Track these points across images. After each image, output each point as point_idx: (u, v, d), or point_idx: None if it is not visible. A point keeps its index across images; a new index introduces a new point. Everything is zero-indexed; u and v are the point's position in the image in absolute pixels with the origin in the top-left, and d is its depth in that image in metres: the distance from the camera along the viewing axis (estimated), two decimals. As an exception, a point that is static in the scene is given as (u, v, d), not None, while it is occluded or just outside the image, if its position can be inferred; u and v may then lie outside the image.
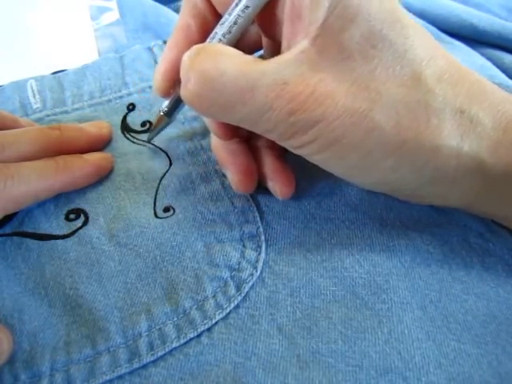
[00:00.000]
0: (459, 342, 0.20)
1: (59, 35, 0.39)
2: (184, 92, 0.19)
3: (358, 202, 0.24)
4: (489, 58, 0.33)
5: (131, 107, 0.29)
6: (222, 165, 0.25)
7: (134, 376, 0.19)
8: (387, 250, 0.22)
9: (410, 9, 0.36)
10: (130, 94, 0.30)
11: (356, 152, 0.18)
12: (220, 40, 0.20)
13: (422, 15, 0.36)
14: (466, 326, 0.20)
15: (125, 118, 0.29)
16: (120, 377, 0.19)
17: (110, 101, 0.30)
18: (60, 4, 0.41)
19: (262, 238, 0.23)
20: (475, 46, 0.35)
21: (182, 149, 0.27)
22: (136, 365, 0.19)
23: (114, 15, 0.40)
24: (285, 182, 0.24)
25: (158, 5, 0.38)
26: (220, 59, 0.18)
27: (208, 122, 0.24)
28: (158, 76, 0.23)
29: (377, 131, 0.17)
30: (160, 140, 0.27)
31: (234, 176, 0.24)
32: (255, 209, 0.24)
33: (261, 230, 0.23)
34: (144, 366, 0.19)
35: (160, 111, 0.24)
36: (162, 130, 0.26)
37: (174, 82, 0.23)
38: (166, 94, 0.23)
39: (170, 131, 0.28)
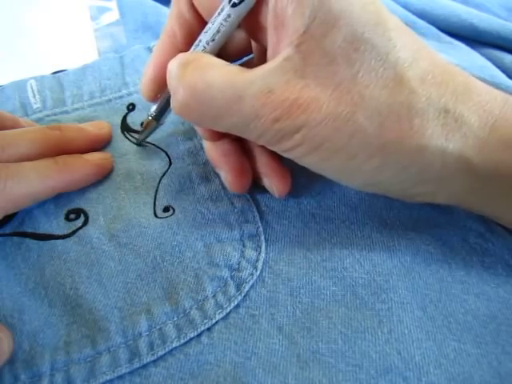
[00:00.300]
0: (459, 342, 0.20)
1: (59, 35, 0.39)
2: (174, 104, 0.20)
3: (358, 201, 0.24)
4: (489, 58, 0.33)
5: (131, 107, 0.29)
6: (215, 166, 0.25)
7: (134, 376, 0.19)
8: (387, 250, 0.22)
9: (410, 9, 0.36)
10: (129, 94, 0.30)
11: (341, 154, 0.18)
12: (204, 47, 0.21)
13: (422, 15, 0.36)
14: (466, 326, 0.20)
15: (125, 118, 0.29)
16: (120, 377, 0.19)
17: (109, 101, 0.30)
18: (60, 4, 0.41)
19: (262, 237, 0.23)
20: (475, 46, 0.35)
21: (181, 149, 0.27)
22: (136, 365, 0.19)
23: (114, 15, 0.40)
24: (281, 179, 0.24)
25: (158, 5, 0.38)
26: (207, 71, 0.19)
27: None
28: (145, 81, 0.24)
29: (360, 134, 0.18)
30: (160, 140, 0.27)
31: (227, 176, 0.24)
32: (255, 209, 0.24)
33: (261, 229, 0.23)
34: (144, 366, 0.19)
35: (148, 115, 0.25)
36: (151, 133, 0.26)
37: (160, 86, 0.23)
38: (153, 99, 0.24)
39: (170, 131, 0.28)
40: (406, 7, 0.37)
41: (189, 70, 0.19)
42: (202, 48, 0.21)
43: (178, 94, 0.19)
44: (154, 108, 0.25)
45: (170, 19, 0.23)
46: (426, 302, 0.21)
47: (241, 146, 0.25)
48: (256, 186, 0.24)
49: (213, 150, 0.25)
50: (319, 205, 0.24)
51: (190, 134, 0.28)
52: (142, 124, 0.28)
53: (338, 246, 0.23)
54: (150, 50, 0.32)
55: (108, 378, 0.19)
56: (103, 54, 0.37)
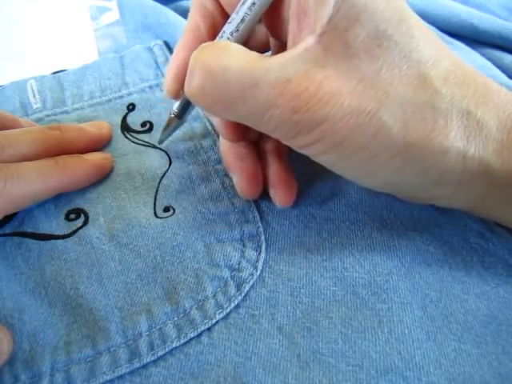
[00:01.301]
0: (459, 342, 0.20)
1: (59, 35, 0.39)
2: (188, 88, 0.19)
3: (358, 201, 0.24)
4: (489, 58, 0.33)
5: (131, 107, 0.29)
6: (228, 169, 0.25)
7: (135, 376, 0.19)
8: (387, 250, 0.22)
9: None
10: (129, 94, 0.30)
11: (362, 154, 0.18)
12: (228, 38, 0.20)
13: (422, 15, 0.36)
14: (467, 326, 0.20)
15: (125, 118, 0.29)
16: (120, 377, 0.19)
17: (109, 101, 0.30)
18: (60, 4, 0.41)
19: (262, 237, 0.23)
20: (475, 46, 0.35)
21: (181, 148, 0.27)
22: (136, 365, 0.19)
23: (114, 15, 0.40)
24: (286, 192, 0.23)
25: (157, 5, 0.38)
26: (224, 55, 0.18)
27: (216, 122, 0.23)
28: (168, 78, 0.23)
29: (383, 132, 0.17)
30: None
31: (240, 181, 0.24)
32: (255, 209, 0.24)
33: (261, 229, 0.23)
34: (144, 366, 0.19)
35: (171, 113, 0.24)
36: (173, 131, 0.26)
37: (184, 83, 0.23)
38: (176, 96, 0.23)
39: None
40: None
41: (205, 52, 0.18)
42: (226, 39, 0.20)
43: (192, 77, 0.18)
44: (176, 105, 0.24)
45: (192, 13, 0.22)
46: (426, 302, 0.21)
47: (256, 150, 0.24)
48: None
49: (229, 153, 0.24)
50: (319, 205, 0.24)
51: (190, 134, 0.28)
52: (142, 124, 0.28)
53: (338, 246, 0.23)
54: (150, 49, 0.32)
55: (108, 378, 0.19)
56: (103, 54, 0.37)
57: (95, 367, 0.19)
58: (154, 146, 0.27)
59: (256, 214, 0.24)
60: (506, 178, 0.18)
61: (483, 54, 0.34)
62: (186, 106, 0.24)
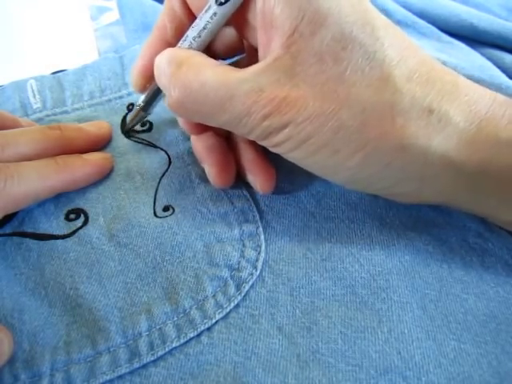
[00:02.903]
0: (459, 341, 0.20)
1: (59, 35, 0.39)
2: (169, 102, 0.20)
3: (357, 200, 0.24)
4: (489, 58, 0.33)
5: (131, 107, 0.29)
6: (199, 159, 0.26)
7: (135, 376, 0.19)
8: (387, 250, 0.22)
9: (410, 9, 0.36)
10: (129, 94, 0.30)
11: (325, 150, 0.19)
12: (191, 43, 0.21)
13: (422, 15, 0.36)
14: (466, 325, 0.20)
15: (125, 118, 0.29)
16: (120, 377, 0.19)
17: (109, 101, 0.30)
18: (60, 4, 0.41)
19: (262, 237, 0.23)
20: (475, 46, 0.35)
21: (181, 148, 0.27)
22: (136, 365, 0.19)
23: (114, 15, 0.40)
24: (264, 176, 0.24)
25: (157, 5, 0.38)
26: (201, 71, 0.19)
27: (178, 118, 0.24)
28: (134, 73, 0.24)
29: (343, 130, 0.18)
30: (160, 139, 0.27)
31: (210, 169, 0.24)
32: (255, 208, 0.24)
33: (260, 229, 0.23)
34: (144, 366, 0.19)
35: (136, 106, 0.25)
36: (138, 123, 0.27)
37: (149, 78, 0.24)
38: (142, 90, 0.25)
39: (170, 131, 0.28)
40: (406, 7, 0.37)
41: (183, 69, 0.20)
42: (189, 43, 0.21)
43: (173, 93, 0.20)
44: (142, 98, 0.25)
45: (162, 14, 0.23)
46: (425, 302, 0.21)
47: (226, 141, 0.25)
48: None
49: (198, 144, 0.25)
50: (319, 204, 0.24)
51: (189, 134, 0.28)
52: (142, 124, 0.28)
53: (337, 245, 0.23)
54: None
55: (108, 378, 0.19)
56: (103, 53, 0.37)
57: (95, 367, 0.19)
58: (154, 146, 0.27)
59: (256, 213, 0.24)
60: (475, 173, 0.19)
61: (483, 54, 0.34)
62: (151, 100, 0.25)
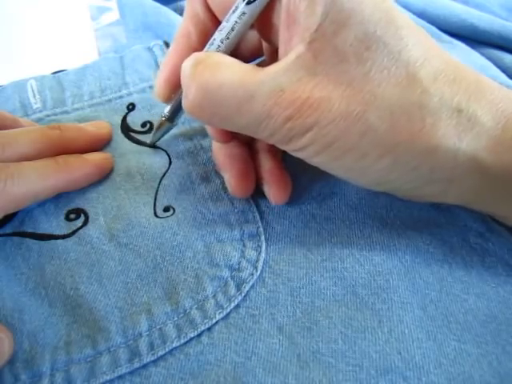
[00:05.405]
0: (459, 341, 0.20)
1: (59, 35, 0.39)
2: (185, 103, 0.19)
3: (358, 201, 0.24)
4: (489, 58, 0.33)
5: (131, 107, 0.29)
6: (220, 168, 0.25)
7: (135, 376, 0.19)
8: (387, 250, 0.22)
9: (410, 9, 0.36)
10: (129, 94, 0.30)
11: (351, 154, 0.18)
12: (218, 46, 0.21)
13: (422, 15, 0.36)
14: (467, 325, 0.20)
15: (125, 117, 0.29)
16: (120, 377, 0.19)
17: (110, 101, 0.30)
18: (60, 4, 0.41)
19: (262, 237, 0.23)
20: (475, 46, 0.35)
21: (182, 148, 0.27)
22: (136, 365, 0.19)
23: (114, 15, 0.40)
24: (280, 189, 0.24)
25: (157, 5, 0.38)
26: (219, 70, 0.18)
27: (207, 126, 0.24)
28: (159, 82, 0.23)
29: (371, 133, 0.18)
30: (160, 140, 0.27)
31: (231, 180, 0.24)
32: (255, 208, 0.24)
33: (261, 229, 0.23)
34: (144, 366, 0.19)
35: (162, 116, 0.25)
36: (164, 134, 0.26)
37: (174, 87, 0.23)
38: (167, 100, 0.24)
39: (171, 131, 0.28)
40: (406, 7, 0.37)
41: (199, 68, 0.19)
42: (217, 47, 0.21)
43: (189, 94, 0.19)
44: (167, 109, 0.24)
45: (184, 20, 0.23)
46: (426, 302, 0.21)
47: (248, 150, 0.25)
48: (255, 188, 0.24)
49: (220, 153, 0.24)
50: (319, 205, 0.24)
51: (190, 134, 0.28)
52: (142, 124, 0.28)
53: (338, 245, 0.23)
54: (150, 49, 0.32)
55: (108, 377, 0.19)
56: (103, 54, 0.37)
57: (95, 367, 0.19)
58: (154, 146, 0.27)
59: (256, 213, 0.24)
60: (500, 174, 0.19)
61: (483, 54, 0.34)
62: (177, 110, 0.24)
